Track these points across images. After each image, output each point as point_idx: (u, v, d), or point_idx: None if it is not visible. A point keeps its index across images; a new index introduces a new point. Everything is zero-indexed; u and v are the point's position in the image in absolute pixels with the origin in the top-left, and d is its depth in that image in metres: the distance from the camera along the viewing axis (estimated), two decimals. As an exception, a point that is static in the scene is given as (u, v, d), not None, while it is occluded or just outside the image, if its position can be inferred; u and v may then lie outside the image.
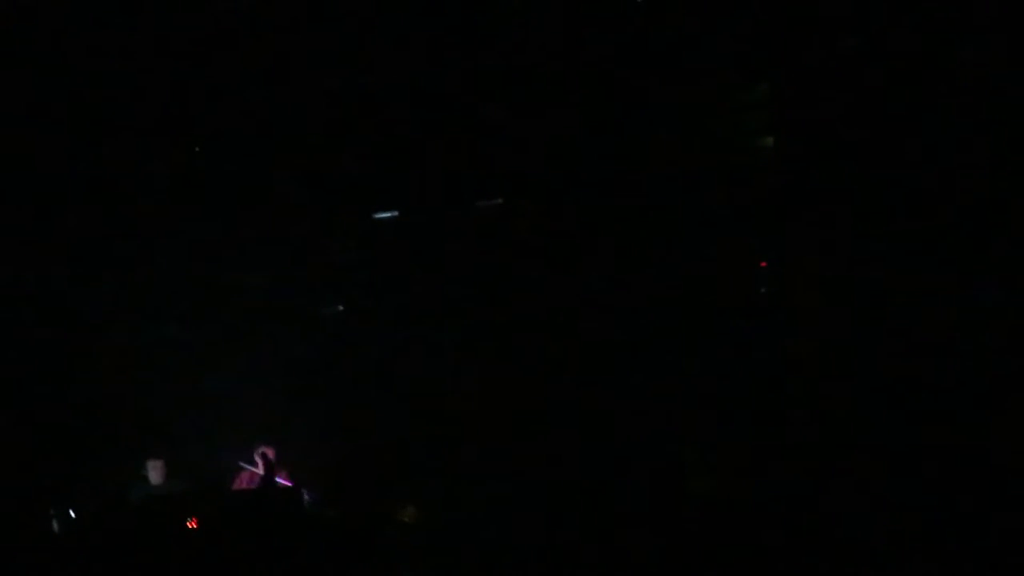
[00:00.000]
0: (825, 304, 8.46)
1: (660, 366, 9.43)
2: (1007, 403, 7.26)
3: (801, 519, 7.80)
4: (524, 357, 10.12)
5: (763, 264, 9.31)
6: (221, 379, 10.56)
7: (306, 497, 9.04)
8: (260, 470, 9.40)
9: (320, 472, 9.82)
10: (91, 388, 10.35)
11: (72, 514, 8.42)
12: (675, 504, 8.91)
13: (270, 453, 9.42)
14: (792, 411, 8.35)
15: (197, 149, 9.81)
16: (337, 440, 10.41)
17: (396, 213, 10.44)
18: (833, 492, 7.74)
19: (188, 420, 10.35)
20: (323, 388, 10.71)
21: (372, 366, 10.66)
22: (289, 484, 9.36)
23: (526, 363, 10.11)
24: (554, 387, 9.98)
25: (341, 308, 10.92)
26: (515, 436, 9.95)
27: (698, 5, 8.66)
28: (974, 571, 6.90)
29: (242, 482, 9.55)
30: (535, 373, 10.06)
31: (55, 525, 8.37)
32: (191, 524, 7.83)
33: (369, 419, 10.53)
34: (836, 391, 8.10)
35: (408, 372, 10.49)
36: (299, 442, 10.03)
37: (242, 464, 9.54)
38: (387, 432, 10.45)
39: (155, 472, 9.46)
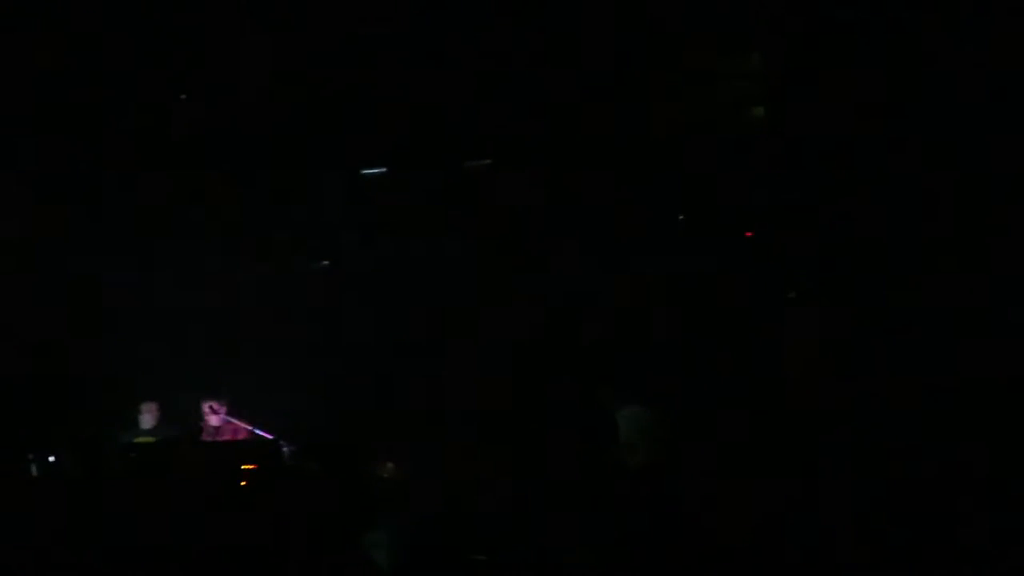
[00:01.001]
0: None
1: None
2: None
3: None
4: (513, 318, 10.13)
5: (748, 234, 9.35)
6: (211, 329, 10.59)
7: (285, 449, 9.05)
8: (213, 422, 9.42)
9: (301, 425, 9.70)
10: (81, 335, 10.35)
11: (51, 459, 8.44)
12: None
13: (216, 407, 9.42)
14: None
15: (183, 97, 9.76)
16: (319, 394, 10.36)
17: (384, 169, 10.41)
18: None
19: (179, 369, 10.30)
20: (309, 342, 10.69)
21: (358, 322, 10.65)
22: (269, 436, 9.37)
23: (514, 324, 10.11)
24: (540, 354, 10.02)
25: (327, 263, 10.90)
26: (498, 400, 9.92)
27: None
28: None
29: (224, 433, 9.58)
30: (525, 335, 10.07)
31: (33, 469, 8.36)
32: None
33: (353, 374, 10.55)
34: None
35: (395, 328, 10.49)
36: (281, 394, 10.02)
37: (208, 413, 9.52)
38: (371, 388, 10.45)
39: (148, 415, 9.47)
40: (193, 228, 10.41)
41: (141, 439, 9.32)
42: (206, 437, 9.60)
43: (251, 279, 10.67)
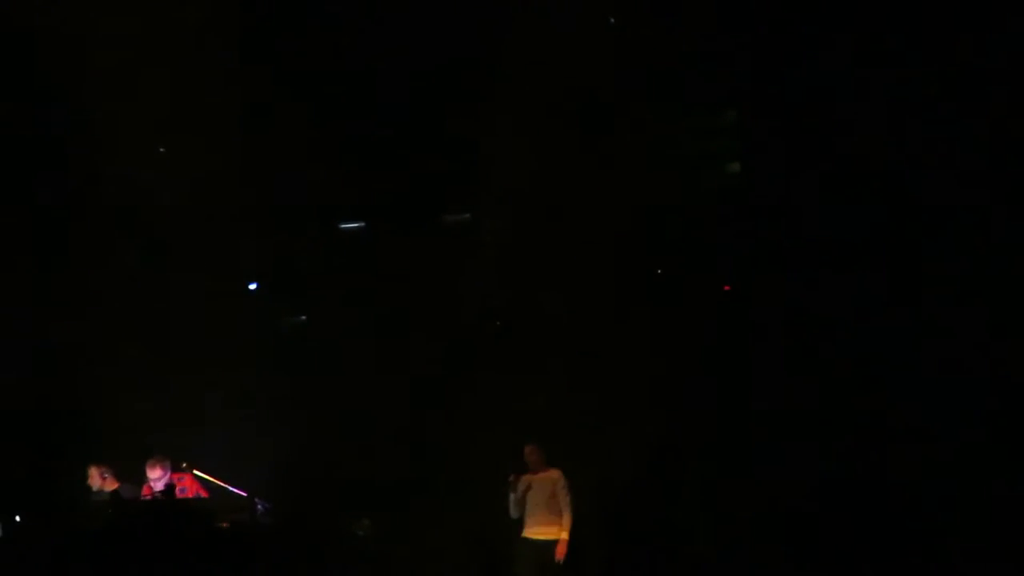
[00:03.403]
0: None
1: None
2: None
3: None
4: (490, 371, 10.19)
5: (727, 288, 9.48)
6: (184, 386, 10.54)
7: (259, 507, 8.96)
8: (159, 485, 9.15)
9: (275, 482, 9.74)
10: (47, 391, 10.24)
11: (16, 519, 8.31)
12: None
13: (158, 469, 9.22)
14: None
15: (161, 150, 9.76)
16: (294, 450, 10.33)
17: (362, 224, 10.41)
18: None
19: (150, 427, 10.19)
20: (284, 395, 10.69)
21: (334, 376, 10.66)
22: (242, 493, 9.28)
23: (491, 378, 10.18)
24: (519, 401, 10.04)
25: (304, 318, 10.87)
26: (479, 450, 10.00)
27: (671, 28, 8.80)
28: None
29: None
30: (502, 389, 10.12)
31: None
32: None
33: (328, 430, 10.54)
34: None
35: (370, 383, 10.49)
36: (255, 451, 9.99)
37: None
38: (345, 443, 10.46)
39: (93, 480, 9.31)
40: (160, 283, 10.40)
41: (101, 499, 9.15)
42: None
43: (224, 332, 10.58)
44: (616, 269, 9.78)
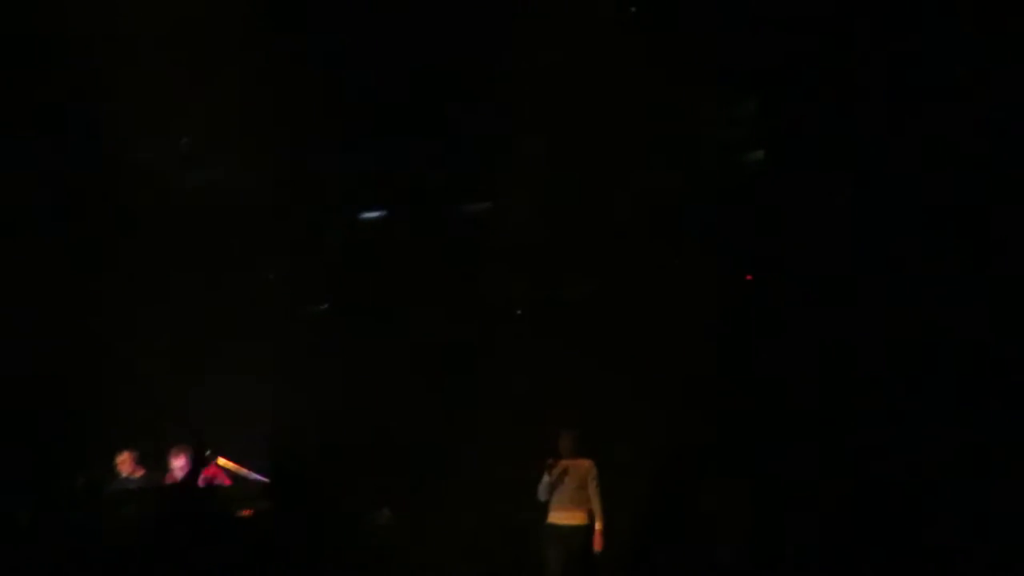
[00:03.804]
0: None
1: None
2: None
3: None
4: (509, 359, 10.16)
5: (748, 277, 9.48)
6: (207, 374, 10.52)
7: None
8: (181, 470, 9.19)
9: (299, 469, 9.46)
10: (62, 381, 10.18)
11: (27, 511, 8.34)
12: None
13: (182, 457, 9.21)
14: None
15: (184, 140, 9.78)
16: (318, 438, 10.30)
17: (384, 212, 10.43)
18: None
19: (173, 414, 10.18)
20: (307, 385, 10.66)
21: (357, 364, 10.66)
22: (265, 480, 9.25)
23: (511, 366, 10.16)
24: (536, 392, 10.04)
25: (326, 306, 10.89)
26: (495, 441, 10.02)
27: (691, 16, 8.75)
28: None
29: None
30: (521, 378, 10.13)
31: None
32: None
33: (352, 417, 10.53)
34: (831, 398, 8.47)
35: (394, 372, 10.49)
36: (279, 437, 10.02)
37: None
38: (370, 432, 10.45)
39: (124, 465, 9.35)
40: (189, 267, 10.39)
41: (125, 487, 9.09)
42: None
43: (249, 321, 10.57)
44: (637, 258, 9.77)
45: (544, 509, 9.08)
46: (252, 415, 10.17)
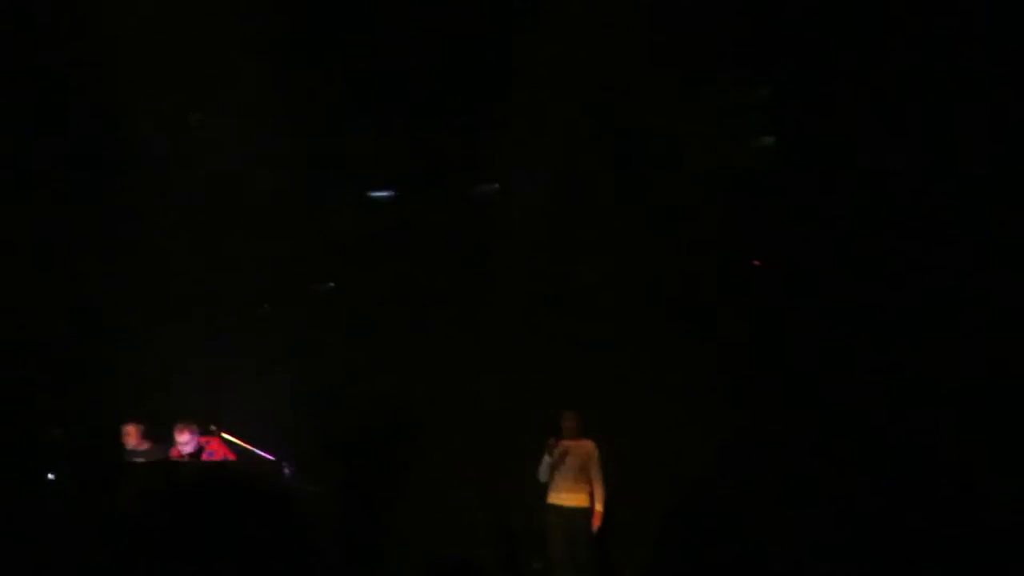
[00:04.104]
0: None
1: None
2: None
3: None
4: (517, 342, 10.10)
5: (756, 263, 9.50)
6: (211, 352, 10.43)
7: (286, 471, 9.02)
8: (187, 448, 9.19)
9: (304, 449, 9.77)
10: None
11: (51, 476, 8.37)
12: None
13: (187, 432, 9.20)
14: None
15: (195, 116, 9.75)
16: (323, 417, 10.34)
17: (393, 192, 10.42)
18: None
19: (179, 390, 10.02)
20: (312, 363, 10.63)
21: (363, 343, 10.58)
22: (270, 457, 9.32)
23: (518, 349, 10.09)
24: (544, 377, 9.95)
25: (333, 285, 10.89)
26: (505, 423, 9.95)
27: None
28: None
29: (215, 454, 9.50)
30: (528, 359, 10.05)
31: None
32: None
33: (357, 398, 10.45)
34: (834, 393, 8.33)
35: (399, 352, 10.39)
36: (284, 416, 9.98)
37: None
38: (374, 413, 10.38)
39: (130, 438, 9.35)
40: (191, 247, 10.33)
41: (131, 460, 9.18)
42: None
43: (254, 298, 10.57)
44: (646, 242, 9.72)
45: (544, 489, 9.14)
46: (257, 395, 10.08)
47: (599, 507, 8.99)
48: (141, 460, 9.13)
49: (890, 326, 8.20)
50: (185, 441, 9.21)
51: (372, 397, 10.32)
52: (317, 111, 9.70)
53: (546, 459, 9.08)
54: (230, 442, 9.51)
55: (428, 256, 10.33)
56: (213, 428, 9.45)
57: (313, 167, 10.09)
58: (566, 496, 9.07)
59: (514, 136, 9.55)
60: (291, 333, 10.65)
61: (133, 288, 10.12)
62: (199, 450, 9.25)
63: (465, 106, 9.42)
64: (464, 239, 10.27)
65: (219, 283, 10.56)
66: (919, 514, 7.79)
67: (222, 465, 9.03)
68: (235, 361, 10.30)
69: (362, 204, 10.45)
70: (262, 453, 9.39)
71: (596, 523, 9.00)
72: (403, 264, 10.38)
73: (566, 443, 9.10)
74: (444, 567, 4.06)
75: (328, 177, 10.24)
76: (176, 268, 10.39)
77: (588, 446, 9.08)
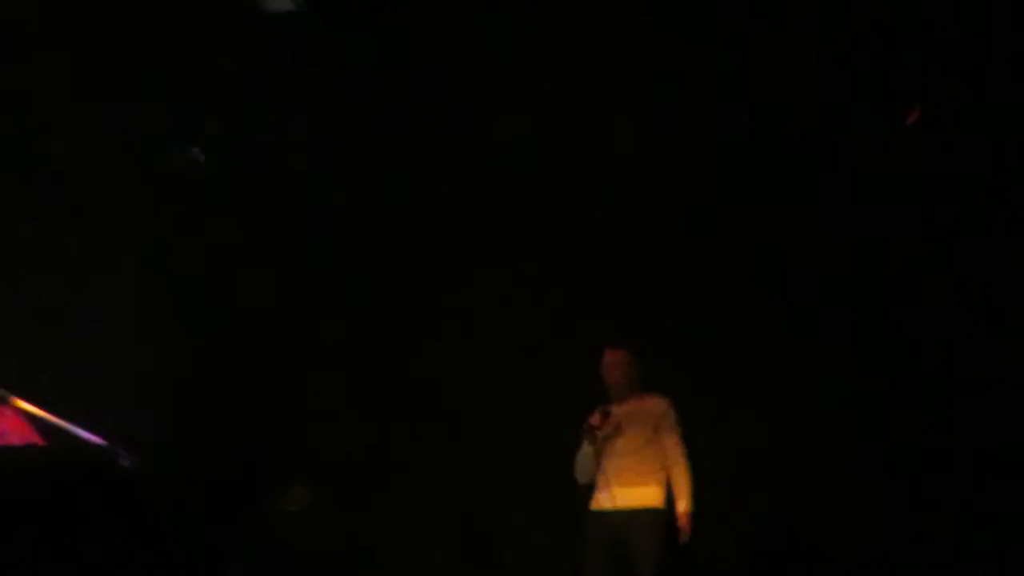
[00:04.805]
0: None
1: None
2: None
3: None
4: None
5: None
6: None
7: (123, 461, 5.95)
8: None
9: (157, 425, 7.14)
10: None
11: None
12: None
13: None
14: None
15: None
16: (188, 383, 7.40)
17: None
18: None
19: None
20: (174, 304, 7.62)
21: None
22: (98, 440, 6.18)
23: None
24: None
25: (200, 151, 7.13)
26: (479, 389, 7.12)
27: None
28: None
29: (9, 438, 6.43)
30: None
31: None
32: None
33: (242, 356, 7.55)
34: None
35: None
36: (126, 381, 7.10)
37: None
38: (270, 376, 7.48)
39: None
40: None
41: None
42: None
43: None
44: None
45: (587, 492, 5.59)
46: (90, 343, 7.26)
47: (684, 504, 5.47)
48: None
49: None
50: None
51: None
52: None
53: (586, 447, 5.59)
54: (32, 415, 6.28)
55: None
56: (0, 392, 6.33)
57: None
58: (621, 492, 5.46)
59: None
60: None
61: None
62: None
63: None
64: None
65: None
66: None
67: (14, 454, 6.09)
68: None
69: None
70: (86, 435, 6.17)
71: (684, 529, 5.46)
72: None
73: (618, 409, 5.59)
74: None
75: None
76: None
77: (655, 404, 5.65)
